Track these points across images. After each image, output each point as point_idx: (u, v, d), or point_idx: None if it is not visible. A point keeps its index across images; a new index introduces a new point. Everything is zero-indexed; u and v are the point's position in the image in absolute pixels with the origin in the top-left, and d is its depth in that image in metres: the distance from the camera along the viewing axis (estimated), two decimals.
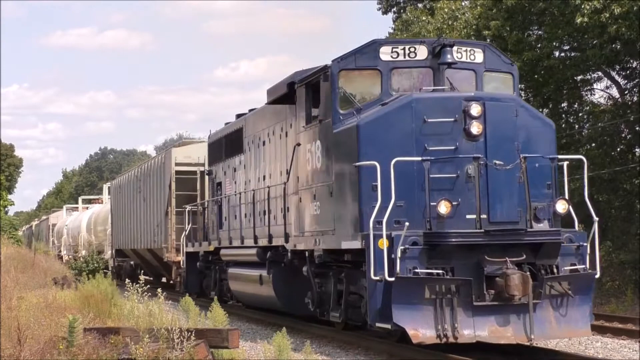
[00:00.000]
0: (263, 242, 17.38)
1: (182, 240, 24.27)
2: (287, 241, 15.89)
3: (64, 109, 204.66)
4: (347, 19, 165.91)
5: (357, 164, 12.88)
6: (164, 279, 33.13)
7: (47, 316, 12.14)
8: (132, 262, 34.69)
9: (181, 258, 24.58)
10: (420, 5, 36.97)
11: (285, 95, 15.73)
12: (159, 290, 12.47)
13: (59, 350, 9.44)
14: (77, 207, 62.07)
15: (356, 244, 12.84)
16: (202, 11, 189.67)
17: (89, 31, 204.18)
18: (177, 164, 26.95)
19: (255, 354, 13.76)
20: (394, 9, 40.65)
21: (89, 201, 60.91)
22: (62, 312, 13.10)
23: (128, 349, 9.55)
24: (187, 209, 24.26)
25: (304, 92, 15.00)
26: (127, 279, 14.11)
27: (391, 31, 38.07)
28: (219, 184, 21.67)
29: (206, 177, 23.84)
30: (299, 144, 15.31)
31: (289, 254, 15.88)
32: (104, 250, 39.86)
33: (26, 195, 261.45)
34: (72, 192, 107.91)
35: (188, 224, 24.01)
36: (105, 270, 36.38)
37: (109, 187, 47.53)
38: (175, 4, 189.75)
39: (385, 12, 41.59)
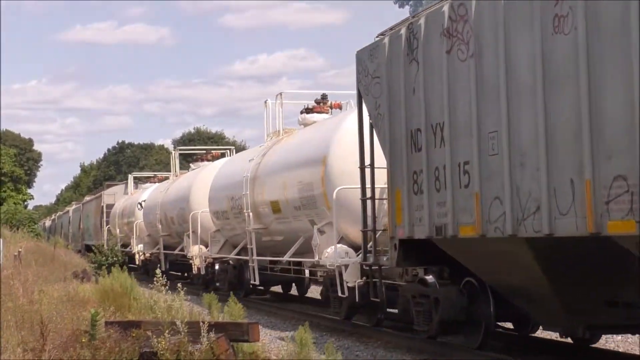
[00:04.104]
0: None
1: None
2: None
3: (83, 104, 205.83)
4: (364, 12, 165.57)
5: None
6: None
7: (68, 310, 12.24)
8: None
9: None
10: None
11: None
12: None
13: (81, 343, 9.52)
14: (152, 176, 40.63)
15: None
16: (220, 5, 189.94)
17: (108, 26, 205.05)
18: None
19: (275, 347, 13.83)
20: (411, 2, 40.66)
21: (190, 158, 36.27)
22: (84, 305, 13.22)
23: (149, 342, 9.62)
24: None
25: None
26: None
27: None
28: None
29: None
30: None
31: None
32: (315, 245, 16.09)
33: (45, 189, 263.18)
34: (90, 186, 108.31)
35: None
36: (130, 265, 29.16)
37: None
38: None
39: (402, 6, 41.65)
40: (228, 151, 30.05)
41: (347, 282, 14.85)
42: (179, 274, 31.45)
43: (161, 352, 9.36)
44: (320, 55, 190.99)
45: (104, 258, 31.34)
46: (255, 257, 19.74)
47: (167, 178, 35.54)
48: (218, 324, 10.09)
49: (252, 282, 20.18)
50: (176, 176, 30.97)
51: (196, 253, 24.26)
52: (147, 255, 32.18)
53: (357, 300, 14.65)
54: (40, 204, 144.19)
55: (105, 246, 34.10)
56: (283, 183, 17.91)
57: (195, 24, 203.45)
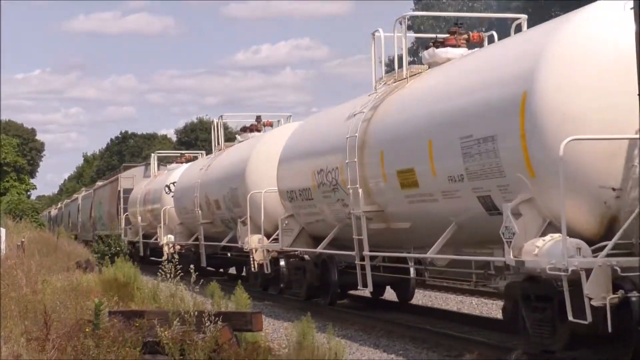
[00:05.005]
0: None
1: None
2: None
3: (86, 94, 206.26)
4: (368, 2, 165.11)
5: None
6: None
7: (72, 299, 12.27)
8: None
9: None
10: None
11: None
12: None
13: (85, 333, 9.54)
14: (178, 156, 34.11)
15: None
16: None
17: (112, 15, 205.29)
18: None
19: (278, 337, 13.85)
20: None
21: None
22: (87, 295, 13.23)
23: (153, 331, 9.64)
24: None
25: None
26: None
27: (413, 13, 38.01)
28: None
29: None
30: None
31: None
32: None
33: (48, 179, 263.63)
34: (93, 176, 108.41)
35: None
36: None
37: None
38: None
39: None
40: (282, 119, 23.37)
41: (590, 299, 8.62)
42: (213, 269, 26.59)
43: (165, 342, 9.38)
44: (324, 44, 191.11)
45: (107, 248, 31.34)
46: (367, 252, 13.93)
47: (195, 157, 30.99)
48: (222, 314, 10.11)
49: (360, 287, 14.71)
50: (220, 150, 25.29)
51: (256, 245, 18.72)
52: (178, 247, 26.22)
53: (609, 329, 8.45)
54: (44, 194, 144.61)
55: (122, 236, 30.28)
56: (423, 142, 11.98)
57: (199, 14, 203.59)
